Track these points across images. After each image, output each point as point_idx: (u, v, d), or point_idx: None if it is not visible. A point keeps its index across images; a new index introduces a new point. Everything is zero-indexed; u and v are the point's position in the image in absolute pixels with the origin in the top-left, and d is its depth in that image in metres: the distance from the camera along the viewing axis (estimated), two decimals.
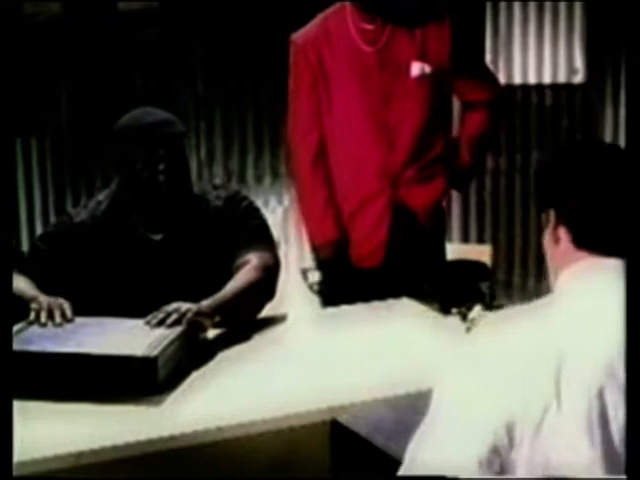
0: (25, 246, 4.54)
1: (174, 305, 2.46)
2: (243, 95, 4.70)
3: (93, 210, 2.78)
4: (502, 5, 5.11)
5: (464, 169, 3.53)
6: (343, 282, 3.40)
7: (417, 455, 1.59)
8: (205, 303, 2.52)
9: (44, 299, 2.52)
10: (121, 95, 4.53)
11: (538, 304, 1.68)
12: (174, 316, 2.42)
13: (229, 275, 2.68)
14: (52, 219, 4.59)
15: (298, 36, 3.37)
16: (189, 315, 2.44)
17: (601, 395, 1.53)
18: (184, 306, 2.46)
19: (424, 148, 3.34)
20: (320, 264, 3.48)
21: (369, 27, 3.27)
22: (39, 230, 4.60)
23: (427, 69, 3.29)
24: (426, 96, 3.31)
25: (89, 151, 4.58)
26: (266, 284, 2.74)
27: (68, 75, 4.55)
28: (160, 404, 2.10)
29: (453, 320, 2.64)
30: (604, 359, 1.55)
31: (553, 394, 1.53)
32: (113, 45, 4.54)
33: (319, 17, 3.38)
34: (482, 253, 4.52)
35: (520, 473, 1.53)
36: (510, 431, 1.52)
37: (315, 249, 3.48)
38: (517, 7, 5.14)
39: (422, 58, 3.28)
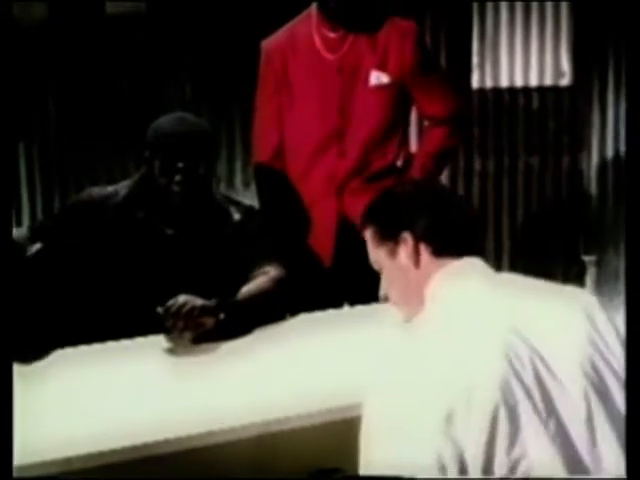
0: None
1: (182, 298, 2.46)
2: (231, 100, 4.71)
3: (110, 196, 2.84)
4: (489, 8, 5.13)
5: None
6: (304, 281, 3.38)
7: (370, 455, 1.60)
8: (214, 300, 2.53)
9: None
10: (108, 99, 4.54)
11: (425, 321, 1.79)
12: (186, 309, 2.43)
13: (236, 279, 2.72)
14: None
15: (267, 41, 3.44)
16: (195, 313, 2.45)
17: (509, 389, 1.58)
18: (191, 302, 2.46)
19: (373, 158, 3.34)
20: None
21: (332, 35, 3.31)
22: None
23: (385, 79, 3.29)
24: (382, 106, 3.32)
25: (77, 155, 4.58)
26: (283, 295, 2.78)
27: (55, 79, 4.55)
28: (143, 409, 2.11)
29: None
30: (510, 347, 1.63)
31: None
32: (100, 49, 4.54)
33: (288, 24, 3.43)
34: None
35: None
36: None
37: None
38: (504, 10, 5.16)
39: (382, 68, 3.29)
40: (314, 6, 3.34)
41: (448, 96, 3.43)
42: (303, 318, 2.82)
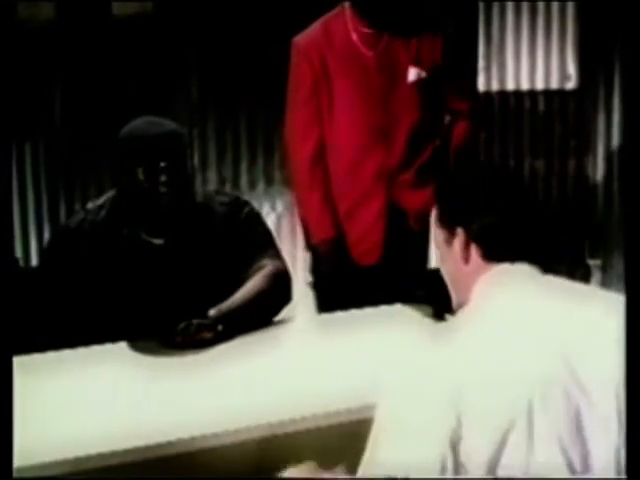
0: (19, 252, 4.53)
1: (182, 325, 2.49)
2: (237, 101, 4.70)
3: (94, 215, 2.76)
4: (495, 11, 5.13)
5: None
6: (342, 280, 3.46)
7: (375, 454, 1.60)
8: (210, 313, 2.53)
9: None
10: (115, 100, 4.53)
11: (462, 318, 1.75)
12: (181, 326, 2.46)
13: (234, 279, 2.69)
14: (46, 225, 4.59)
15: (300, 38, 3.43)
16: (192, 330, 2.46)
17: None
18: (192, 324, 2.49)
19: (418, 152, 3.42)
20: (317, 263, 3.53)
21: (368, 31, 3.35)
22: (32, 236, 4.60)
23: (423, 74, 3.37)
24: (420, 101, 3.39)
25: (83, 156, 4.58)
26: (281, 289, 2.76)
27: (62, 80, 4.55)
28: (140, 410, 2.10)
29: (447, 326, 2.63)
30: (542, 360, 1.59)
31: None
32: (107, 50, 4.54)
33: (319, 20, 3.44)
34: None
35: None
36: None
37: (312, 248, 3.54)
38: (510, 13, 5.15)
39: (418, 63, 3.36)
40: (347, 4, 3.37)
41: (466, 91, 3.59)
42: (320, 319, 2.82)
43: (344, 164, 3.42)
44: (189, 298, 2.60)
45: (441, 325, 1.77)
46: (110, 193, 2.83)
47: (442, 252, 1.85)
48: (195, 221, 2.76)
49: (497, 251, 1.77)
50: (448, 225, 1.81)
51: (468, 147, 3.54)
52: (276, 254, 2.83)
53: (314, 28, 3.43)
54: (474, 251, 1.77)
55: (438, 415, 1.56)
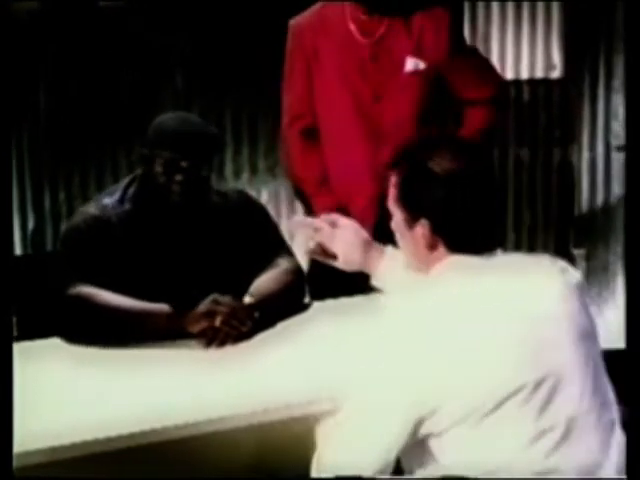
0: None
1: (213, 301, 2.49)
2: (222, 90, 4.70)
3: (116, 207, 2.70)
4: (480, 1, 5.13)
5: None
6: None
7: (324, 455, 1.64)
8: (247, 301, 2.54)
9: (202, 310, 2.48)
10: (100, 90, 4.52)
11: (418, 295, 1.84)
12: (223, 318, 2.46)
13: (249, 278, 2.68)
14: (30, 216, 4.57)
15: (295, 20, 3.36)
16: (234, 324, 2.46)
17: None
18: (225, 308, 2.47)
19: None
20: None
21: (366, 18, 3.24)
22: (16, 226, 4.58)
23: (421, 65, 3.26)
24: (418, 92, 3.28)
25: (67, 146, 4.57)
26: (298, 286, 2.78)
27: (46, 69, 4.53)
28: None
29: None
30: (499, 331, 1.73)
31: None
32: (92, 40, 4.53)
33: (318, 4, 3.36)
34: None
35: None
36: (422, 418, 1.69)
37: None
38: (495, 2, 5.15)
39: (417, 53, 3.24)
40: None
41: (485, 79, 3.40)
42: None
43: (335, 154, 3.34)
44: (206, 289, 2.57)
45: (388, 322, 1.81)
46: (128, 184, 2.77)
47: (400, 230, 1.90)
48: (208, 221, 2.74)
49: (462, 244, 1.83)
50: (410, 211, 1.85)
51: (487, 134, 3.37)
52: (289, 251, 2.85)
53: (311, 11, 3.36)
54: (439, 242, 1.83)
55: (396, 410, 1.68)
